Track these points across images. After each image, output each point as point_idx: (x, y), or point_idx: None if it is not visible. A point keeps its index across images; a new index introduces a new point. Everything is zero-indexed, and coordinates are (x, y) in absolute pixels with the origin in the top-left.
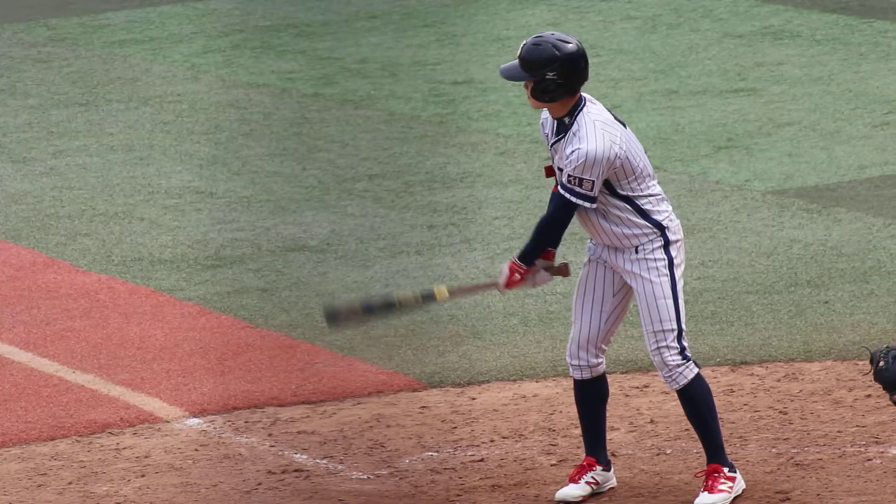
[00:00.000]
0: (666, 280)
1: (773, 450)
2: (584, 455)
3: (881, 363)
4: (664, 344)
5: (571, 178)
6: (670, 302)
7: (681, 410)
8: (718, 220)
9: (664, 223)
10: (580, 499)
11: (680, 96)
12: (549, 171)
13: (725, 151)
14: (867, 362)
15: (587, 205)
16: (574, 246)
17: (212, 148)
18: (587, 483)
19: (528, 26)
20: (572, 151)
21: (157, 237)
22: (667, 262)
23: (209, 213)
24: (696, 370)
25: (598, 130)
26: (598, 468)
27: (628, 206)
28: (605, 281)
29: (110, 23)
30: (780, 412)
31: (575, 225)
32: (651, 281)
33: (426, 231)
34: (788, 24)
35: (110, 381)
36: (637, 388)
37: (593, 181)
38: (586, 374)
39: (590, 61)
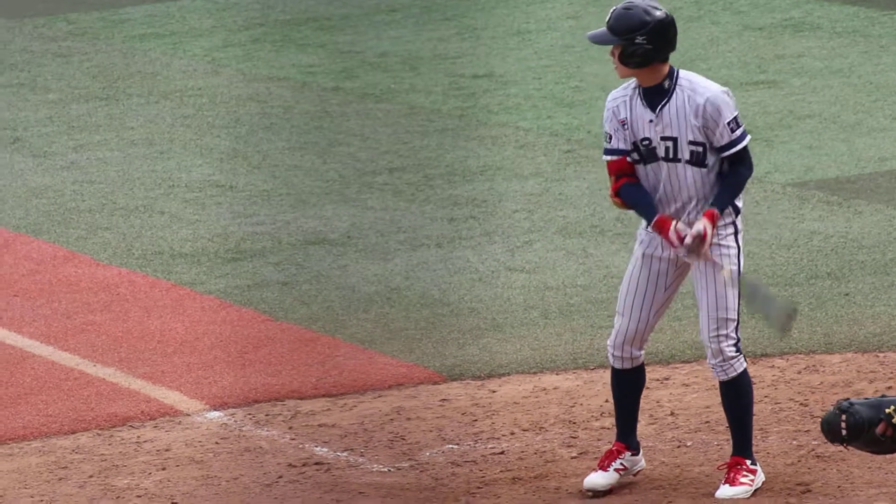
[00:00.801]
0: (735, 269)
1: (794, 442)
2: (604, 448)
3: (844, 426)
4: (724, 332)
5: (731, 123)
6: (735, 291)
7: (701, 403)
8: None
9: (739, 207)
10: (607, 488)
11: None
12: (617, 166)
13: None
14: (825, 439)
15: (749, 139)
16: (595, 239)
17: (232, 142)
18: (616, 470)
19: (549, 19)
20: (705, 101)
21: (178, 231)
22: (737, 250)
23: (229, 206)
24: (744, 364)
25: (708, 79)
26: (628, 454)
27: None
28: (659, 278)
29: (130, 17)
30: (801, 404)
31: (609, 222)
32: (723, 267)
33: (446, 224)
34: (809, 16)
35: (131, 375)
36: (657, 380)
37: (738, 113)
38: (627, 365)
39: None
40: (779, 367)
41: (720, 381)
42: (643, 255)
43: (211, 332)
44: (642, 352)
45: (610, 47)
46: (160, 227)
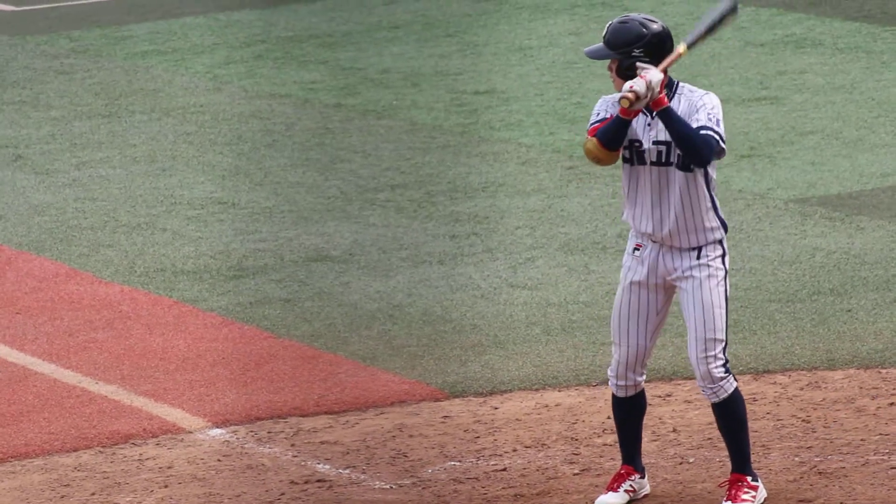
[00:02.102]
0: (722, 290)
1: (797, 458)
2: (606, 464)
3: None
4: (713, 353)
5: (712, 115)
6: (723, 312)
7: (703, 419)
8: (741, 229)
9: (726, 223)
10: None
11: None
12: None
13: (748, 160)
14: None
15: (721, 140)
16: (597, 256)
17: (234, 159)
18: (626, 491)
19: (550, 35)
20: (703, 95)
21: (180, 248)
22: (724, 272)
23: (231, 223)
24: (735, 384)
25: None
26: (636, 476)
27: (707, 194)
28: (649, 303)
29: (133, 34)
30: (803, 420)
31: (611, 238)
32: (710, 288)
33: (448, 241)
34: (811, 32)
35: (133, 392)
36: (660, 396)
37: (723, 125)
38: (630, 392)
39: None
40: (781, 384)
41: (712, 403)
42: (630, 282)
43: (213, 349)
44: (643, 377)
45: (608, 61)
46: (162, 245)
